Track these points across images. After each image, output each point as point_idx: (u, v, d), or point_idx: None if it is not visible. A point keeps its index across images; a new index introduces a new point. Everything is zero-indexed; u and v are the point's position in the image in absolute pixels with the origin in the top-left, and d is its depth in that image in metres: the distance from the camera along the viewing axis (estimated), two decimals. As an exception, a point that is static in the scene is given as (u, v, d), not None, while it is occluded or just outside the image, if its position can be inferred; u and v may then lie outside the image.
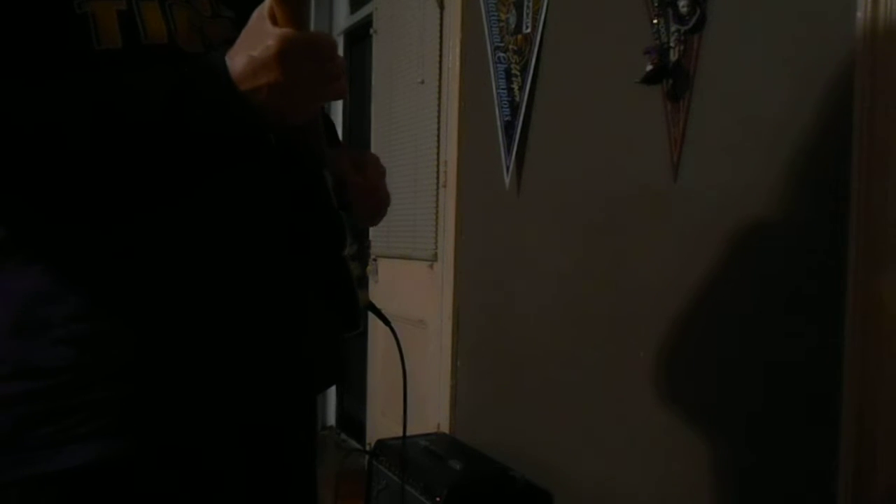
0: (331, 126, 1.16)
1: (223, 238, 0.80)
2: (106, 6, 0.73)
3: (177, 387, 0.77)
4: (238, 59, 0.67)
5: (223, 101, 0.68)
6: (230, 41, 0.71)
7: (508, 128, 2.32)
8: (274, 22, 0.65)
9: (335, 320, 0.96)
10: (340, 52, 4.01)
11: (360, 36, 3.84)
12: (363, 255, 1.10)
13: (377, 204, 1.04)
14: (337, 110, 4.01)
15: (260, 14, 0.66)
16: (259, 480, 0.89)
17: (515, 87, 2.29)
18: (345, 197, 0.97)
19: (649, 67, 1.70)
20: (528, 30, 2.23)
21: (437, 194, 2.82)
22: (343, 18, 3.98)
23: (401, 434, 2.57)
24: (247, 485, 0.87)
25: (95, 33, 0.72)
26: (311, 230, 0.88)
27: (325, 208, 0.89)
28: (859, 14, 1.30)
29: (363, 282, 1.06)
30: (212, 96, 0.68)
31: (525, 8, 2.24)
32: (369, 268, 3.51)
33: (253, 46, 0.66)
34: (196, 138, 0.70)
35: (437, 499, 2.00)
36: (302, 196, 0.88)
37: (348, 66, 3.99)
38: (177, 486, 0.79)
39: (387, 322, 1.13)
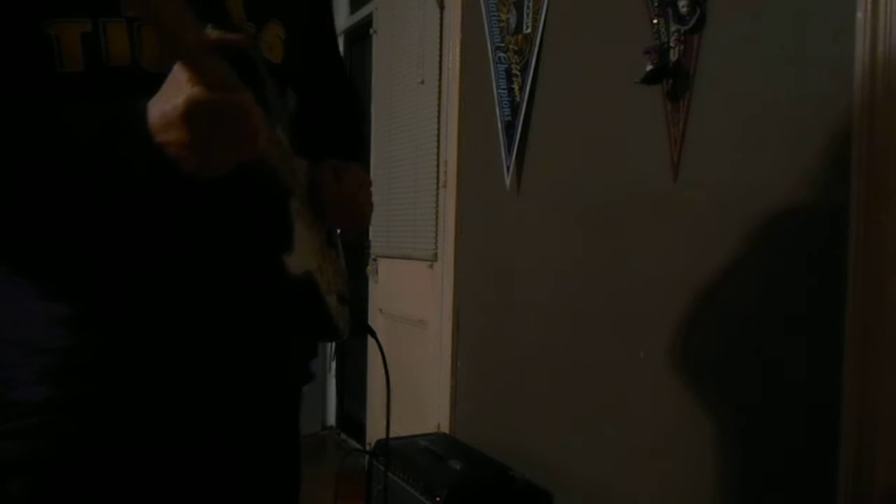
0: (353, 139, 1.17)
1: (179, 251, 0.81)
2: (71, 28, 0.73)
3: (111, 391, 0.79)
4: (154, 111, 0.66)
5: (137, 153, 0.68)
6: None
7: (509, 128, 2.32)
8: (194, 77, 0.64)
9: (299, 328, 0.97)
10: (340, 52, 4.02)
11: (360, 36, 3.84)
12: (339, 267, 1.09)
13: (354, 213, 1.02)
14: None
15: (180, 66, 0.65)
16: (218, 480, 0.89)
17: (516, 87, 2.29)
18: (320, 207, 0.97)
19: (649, 67, 1.70)
20: (529, 30, 2.23)
21: (437, 194, 2.82)
22: (343, 18, 3.98)
23: (401, 434, 2.58)
24: (202, 485, 0.88)
25: (59, 56, 0.73)
26: (265, 254, 0.85)
27: (285, 235, 0.87)
28: (859, 14, 1.30)
29: (343, 296, 1.06)
30: (128, 148, 0.68)
31: (525, 8, 2.25)
32: (369, 268, 3.48)
33: (167, 100, 0.65)
34: (118, 186, 0.71)
35: (437, 499, 1.99)
36: (259, 222, 0.87)
37: (348, 67, 3.99)
38: (120, 486, 0.80)
39: (375, 339, 1.13)
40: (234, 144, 0.68)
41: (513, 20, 2.31)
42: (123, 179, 0.70)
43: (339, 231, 1.08)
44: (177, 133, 0.65)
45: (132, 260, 0.79)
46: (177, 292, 0.81)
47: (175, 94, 0.64)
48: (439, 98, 2.81)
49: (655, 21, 1.71)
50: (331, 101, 1.17)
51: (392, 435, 2.57)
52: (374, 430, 3.34)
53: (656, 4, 1.71)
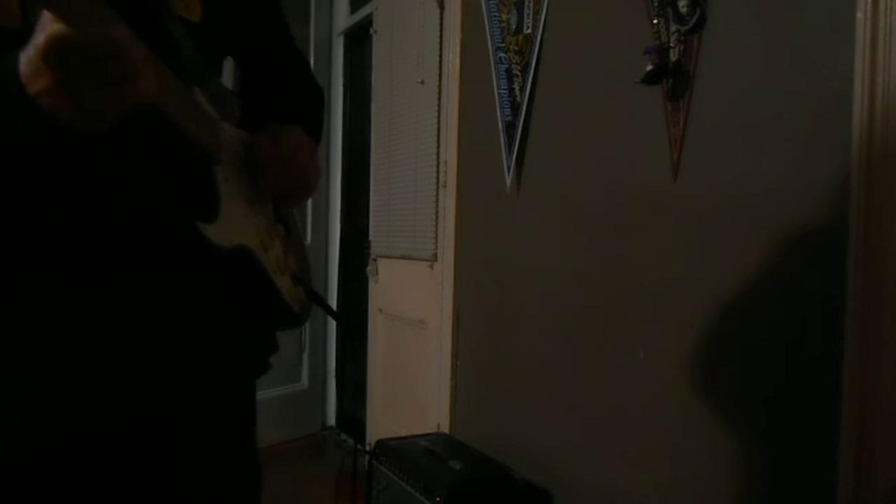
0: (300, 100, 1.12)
1: (94, 228, 0.78)
2: None
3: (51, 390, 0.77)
4: (22, 59, 0.61)
5: (11, 107, 0.63)
6: None
7: (509, 128, 2.32)
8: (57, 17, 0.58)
9: (247, 309, 0.93)
10: (339, 52, 4.02)
11: (360, 36, 3.84)
12: (294, 247, 1.05)
13: (291, 177, 0.96)
14: (337, 110, 4.02)
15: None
16: (165, 474, 0.86)
17: (516, 87, 2.29)
18: (254, 168, 0.92)
19: (649, 67, 1.70)
20: (529, 30, 2.23)
21: (437, 194, 2.82)
22: (343, 18, 3.98)
23: (401, 434, 2.58)
24: (148, 480, 0.85)
25: None
26: (189, 228, 0.80)
27: (209, 206, 0.82)
28: (859, 14, 1.30)
29: (298, 277, 1.02)
30: (4, 104, 0.63)
31: (526, 8, 2.25)
32: (369, 268, 3.50)
33: (31, 43, 0.59)
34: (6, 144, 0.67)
35: (437, 499, 2.00)
36: (179, 192, 0.82)
37: (348, 67, 3.99)
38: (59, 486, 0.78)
39: (332, 312, 1.09)
40: (108, 86, 0.60)
41: (513, 20, 2.31)
42: (5, 139, 0.65)
43: (282, 199, 1.01)
44: (43, 77, 0.59)
45: (42, 242, 0.76)
46: (97, 275, 0.78)
47: (37, 34, 0.58)
48: (439, 98, 2.80)
49: (655, 21, 1.71)
50: (279, 76, 1.13)
51: (392, 435, 2.59)
52: (374, 430, 3.34)
53: (656, 4, 1.71)
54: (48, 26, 0.57)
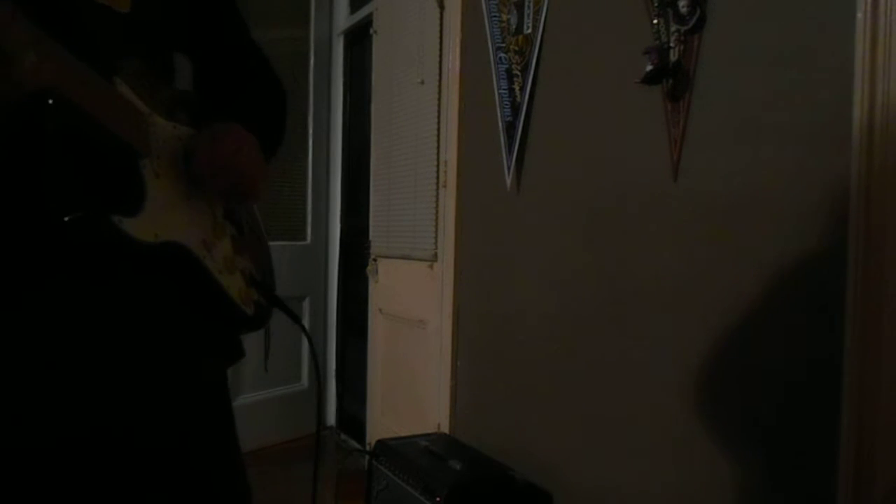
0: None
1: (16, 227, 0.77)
2: None
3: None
4: None
5: None
6: None
7: (510, 128, 2.32)
8: None
9: (189, 310, 0.91)
10: (339, 52, 4.02)
11: (360, 36, 3.84)
12: (251, 247, 1.02)
13: (231, 177, 0.92)
14: (337, 110, 4.02)
15: None
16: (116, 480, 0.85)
17: (517, 87, 2.29)
18: (191, 166, 0.89)
19: (649, 67, 1.70)
20: (529, 30, 2.23)
21: (437, 194, 2.82)
22: (343, 18, 3.98)
23: (401, 434, 2.58)
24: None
25: None
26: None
27: (133, 199, 0.80)
28: (859, 14, 1.30)
29: (254, 277, 1.00)
30: None
31: (526, 8, 2.25)
32: (369, 268, 3.49)
33: None
34: None
35: (437, 499, 1.99)
36: (101, 187, 0.79)
37: (348, 67, 3.99)
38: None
39: (294, 317, 1.05)
40: None
41: (513, 20, 2.31)
42: None
43: (227, 201, 0.98)
44: None
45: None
46: (25, 279, 0.76)
47: None
48: (439, 98, 2.80)
49: (655, 21, 1.71)
50: (234, 73, 1.09)
51: (392, 435, 2.59)
52: (374, 430, 3.34)
53: (656, 4, 1.71)
54: None
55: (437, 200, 2.82)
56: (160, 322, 0.87)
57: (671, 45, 1.67)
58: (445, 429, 2.69)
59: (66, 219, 0.74)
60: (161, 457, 0.87)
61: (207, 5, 1.05)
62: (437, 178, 2.82)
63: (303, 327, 1.07)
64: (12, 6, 0.60)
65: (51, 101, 0.68)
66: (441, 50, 2.79)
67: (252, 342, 1.06)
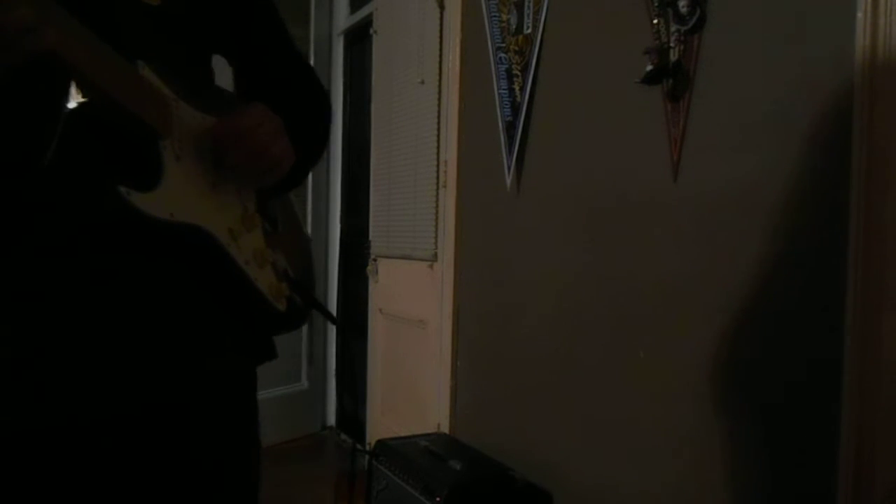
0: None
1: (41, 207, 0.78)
2: None
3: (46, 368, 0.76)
4: None
5: None
6: None
7: (510, 128, 2.32)
8: None
9: (215, 306, 0.90)
10: (339, 52, 4.02)
11: (360, 36, 3.84)
12: (286, 244, 1.01)
13: (254, 152, 0.90)
14: (337, 110, 4.02)
15: None
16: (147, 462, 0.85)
17: (517, 87, 2.29)
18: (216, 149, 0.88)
19: (649, 67, 1.70)
20: (529, 30, 2.23)
21: (437, 194, 2.82)
22: (343, 18, 3.98)
23: (401, 434, 2.58)
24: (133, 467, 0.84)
25: None
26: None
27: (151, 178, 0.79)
28: (859, 14, 1.30)
29: (288, 272, 0.99)
30: None
31: (526, 8, 2.25)
32: (369, 268, 3.50)
33: None
34: None
35: (437, 499, 2.00)
36: (121, 167, 0.79)
37: (348, 67, 3.99)
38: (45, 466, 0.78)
39: (331, 319, 1.05)
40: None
41: (513, 20, 2.31)
42: None
43: (250, 178, 0.95)
44: None
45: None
46: (46, 255, 0.77)
47: None
48: (439, 98, 2.80)
49: (655, 21, 1.71)
50: (274, 77, 1.08)
51: (392, 435, 2.59)
52: (374, 430, 3.34)
53: (656, 4, 1.71)
54: None
55: (437, 200, 2.82)
56: (179, 307, 0.86)
57: (671, 45, 1.67)
58: (445, 429, 2.69)
59: (85, 195, 0.74)
60: (172, 444, 0.87)
61: (247, 9, 1.04)
62: (437, 178, 2.82)
63: (340, 329, 1.06)
64: None
65: (68, 70, 0.68)
66: (441, 50, 2.79)
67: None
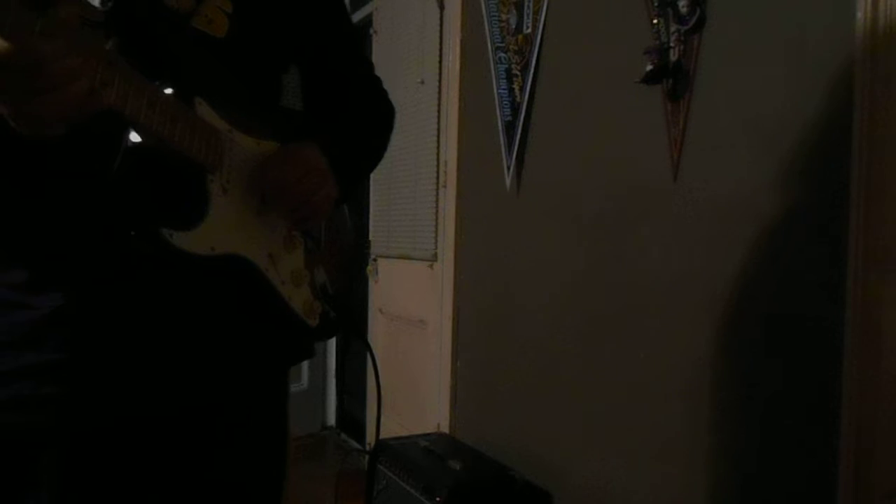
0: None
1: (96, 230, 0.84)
2: None
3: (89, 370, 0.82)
4: None
5: None
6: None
7: (509, 128, 2.32)
8: None
9: (252, 316, 0.96)
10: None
11: (360, 36, 3.84)
12: (327, 260, 1.07)
13: (297, 203, 0.95)
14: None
15: None
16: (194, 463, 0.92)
17: (516, 87, 2.29)
18: (264, 195, 0.94)
19: (649, 67, 1.70)
20: (529, 30, 2.23)
21: (437, 194, 2.82)
22: (343, 18, 3.98)
23: (401, 434, 2.58)
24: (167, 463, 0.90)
25: None
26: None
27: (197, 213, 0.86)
28: (859, 14, 1.30)
29: (327, 291, 1.05)
30: None
31: (525, 8, 2.25)
32: (369, 268, 3.49)
33: None
34: None
35: (438, 499, 1.99)
36: (168, 201, 0.85)
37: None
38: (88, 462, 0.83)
39: (360, 336, 1.12)
40: (36, 94, 0.64)
41: (513, 20, 2.31)
42: None
43: (292, 222, 1.00)
44: None
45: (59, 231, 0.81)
46: (100, 278, 0.83)
47: None
48: (439, 98, 2.80)
49: (655, 21, 1.71)
50: (336, 91, 1.13)
51: (392, 435, 2.59)
52: (375, 430, 3.33)
53: (656, 4, 1.71)
54: None
55: (437, 200, 2.82)
56: (216, 319, 0.92)
57: (671, 45, 1.67)
58: (445, 429, 2.69)
59: (132, 233, 0.81)
60: (205, 441, 0.93)
61: (320, 26, 1.09)
62: (437, 178, 2.82)
63: (367, 345, 1.12)
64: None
65: (124, 121, 0.74)
66: (441, 50, 2.79)
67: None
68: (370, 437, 3.45)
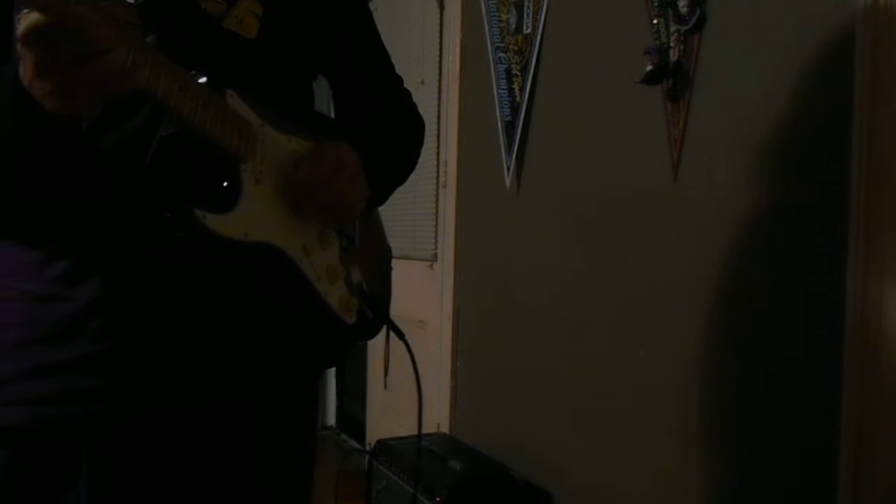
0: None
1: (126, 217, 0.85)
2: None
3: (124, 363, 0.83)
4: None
5: (8, 105, 0.69)
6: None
7: (509, 128, 2.32)
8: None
9: (288, 310, 0.96)
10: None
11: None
12: (363, 260, 1.07)
13: (329, 200, 0.95)
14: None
15: None
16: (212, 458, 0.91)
17: (516, 87, 2.29)
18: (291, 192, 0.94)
19: (649, 67, 1.70)
20: (529, 30, 2.23)
21: (437, 194, 2.82)
22: (343, 18, 3.98)
23: (401, 434, 2.58)
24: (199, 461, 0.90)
25: None
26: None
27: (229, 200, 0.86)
28: (859, 14, 1.30)
29: (363, 289, 1.05)
30: (1, 96, 0.70)
31: (525, 8, 2.25)
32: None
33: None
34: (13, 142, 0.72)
35: (437, 499, 1.99)
36: (202, 187, 0.85)
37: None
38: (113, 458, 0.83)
39: (399, 334, 1.12)
40: (78, 61, 0.65)
41: (513, 20, 2.31)
42: (8, 131, 0.71)
43: (324, 219, 1.01)
44: (27, 63, 0.65)
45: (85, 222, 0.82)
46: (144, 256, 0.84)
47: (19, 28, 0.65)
48: (439, 98, 2.81)
49: (655, 21, 1.71)
50: (366, 102, 1.15)
51: (392, 435, 2.58)
52: (374, 430, 3.33)
53: (656, 4, 1.71)
54: (24, 18, 0.63)
55: (437, 200, 2.82)
56: (253, 315, 0.92)
57: (671, 45, 1.67)
58: (445, 429, 2.69)
59: (167, 215, 0.82)
60: (234, 436, 0.93)
61: (350, 36, 1.11)
62: (437, 178, 2.82)
63: (407, 344, 1.13)
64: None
65: (154, 104, 0.75)
66: (441, 50, 2.79)
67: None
68: (369, 438, 3.45)
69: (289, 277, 0.93)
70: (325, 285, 0.97)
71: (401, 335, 1.12)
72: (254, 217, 0.87)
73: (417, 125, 1.21)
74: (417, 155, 1.19)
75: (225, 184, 0.85)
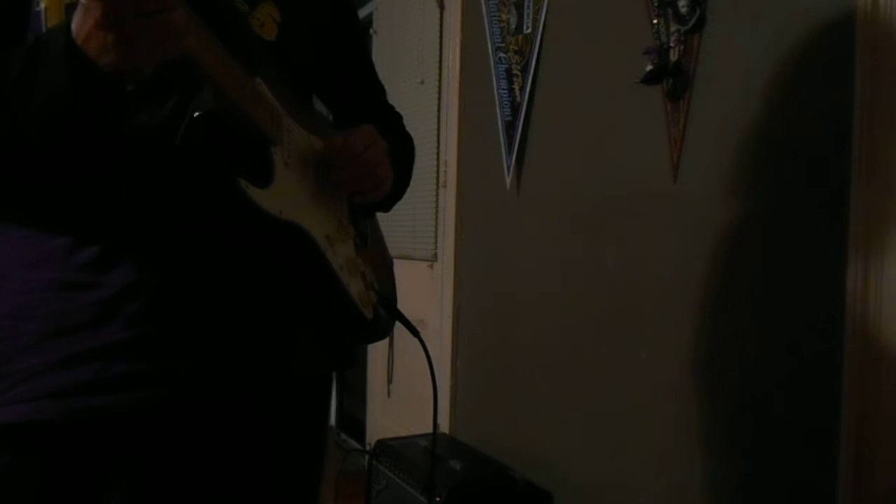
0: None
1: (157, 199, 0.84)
2: (56, 0, 0.77)
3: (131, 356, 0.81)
4: (76, 14, 0.68)
5: (57, 53, 0.69)
6: None
7: (509, 128, 2.32)
8: None
9: (311, 301, 0.96)
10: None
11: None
12: (373, 258, 1.08)
13: (362, 172, 0.97)
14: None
15: None
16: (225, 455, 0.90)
17: (516, 87, 2.29)
18: (324, 164, 0.95)
19: (649, 67, 1.70)
20: (529, 30, 2.23)
21: (437, 194, 2.82)
22: (343, 18, 3.98)
23: (401, 434, 2.57)
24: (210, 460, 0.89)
25: (46, 27, 0.77)
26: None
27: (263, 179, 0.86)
28: (860, 14, 1.30)
29: (374, 284, 1.06)
30: (50, 49, 0.70)
31: (525, 8, 2.25)
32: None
33: None
34: (54, 103, 0.71)
35: (437, 499, 2.00)
36: (236, 170, 0.85)
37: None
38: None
39: (414, 332, 1.13)
40: (143, 15, 0.66)
41: (513, 20, 2.31)
42: (49, 86, 0.71)
43: (355, 194, 1.03)
44: (94, 15, 0.66)
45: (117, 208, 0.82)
46: (166, 244, 0.83)
47: None
48: (439, 98, 2.80)
49: (655, 21, 1.71)
50: (366, 119, 1.17)
51: (392, 435, 2.58)
52: (374, 430, 3.34)
53: (656, 4, 1.71)
54: None
55: (437, 200, 2.82)
56: (275, 308, 0.91)
57: (671, 45, 1.67)
58: (445, 429, 2.69)
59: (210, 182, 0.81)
60: (244, 433, 0.92)
61: (348, 60, 1.15)
62: (437, 178, 2.82)
63: (422, 343, 1.13)
64: None
65: (198, 73, 0.75)
66: (441, 50, 2.79)
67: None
68: (369, 438, 3.45)
69: (315, 266, 0.94)
70: (347, 276, 0.97)
71: (415, 332, 1.12)
72: (286, 198, 0.88)
73: (412, 147, 1.24)
74: (410, 177, 1.21)
75: (260, 161, 0.85)
